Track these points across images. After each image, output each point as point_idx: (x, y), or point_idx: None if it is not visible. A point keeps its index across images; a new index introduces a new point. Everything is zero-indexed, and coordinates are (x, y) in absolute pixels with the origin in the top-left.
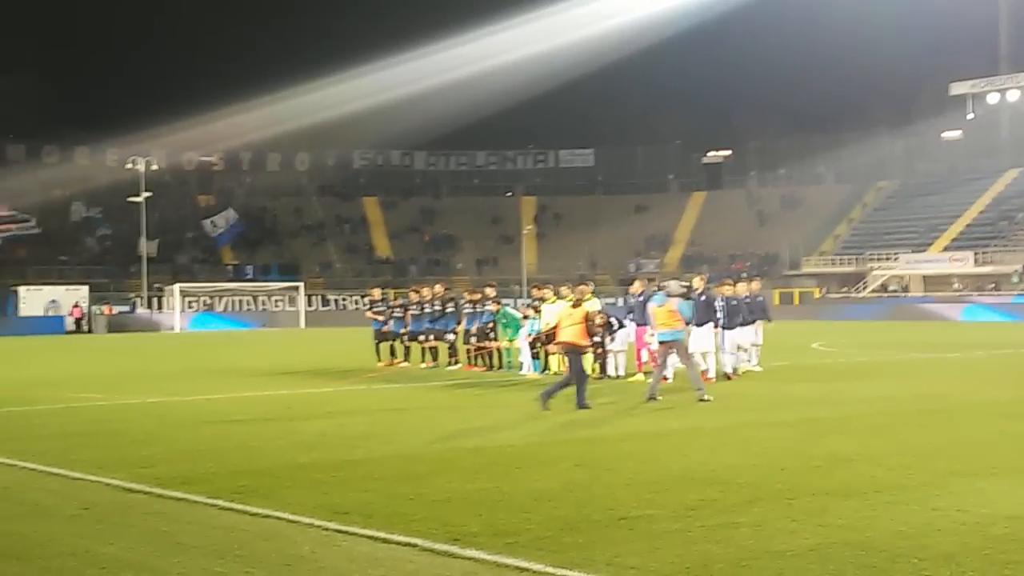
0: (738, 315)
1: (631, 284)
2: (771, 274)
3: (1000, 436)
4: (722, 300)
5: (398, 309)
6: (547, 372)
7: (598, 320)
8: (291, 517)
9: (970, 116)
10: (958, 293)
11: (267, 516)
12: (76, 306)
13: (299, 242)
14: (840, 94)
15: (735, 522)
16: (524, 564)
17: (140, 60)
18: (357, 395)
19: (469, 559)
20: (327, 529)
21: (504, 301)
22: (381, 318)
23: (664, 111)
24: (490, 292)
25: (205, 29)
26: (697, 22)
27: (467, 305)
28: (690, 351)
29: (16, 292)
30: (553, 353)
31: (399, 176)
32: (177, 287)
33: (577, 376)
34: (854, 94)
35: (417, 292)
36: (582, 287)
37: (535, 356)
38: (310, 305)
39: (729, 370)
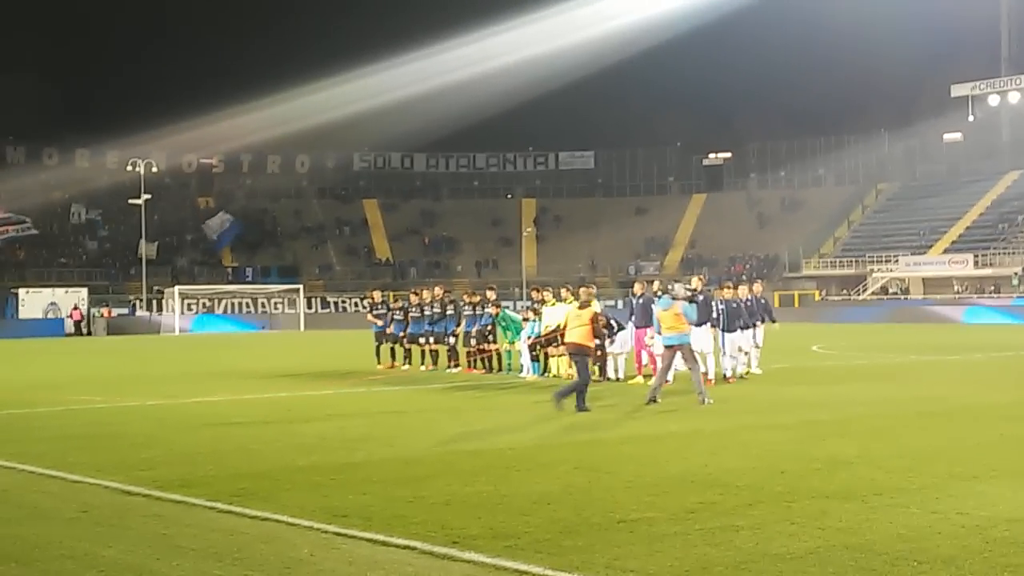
0: (738, 318)
1: (634, 286)
2: (771, 276)
3: (1000, 439)
4: (721, 302)
5: (398, 312)
6: (547, 375)
7: (600, 322)
8: (290, 520)
9: (971, 118)
10: (958, 296)
11: (266, 519)
12: (76, 308)
13: (299, 244)
14: (840, 96)
15: (735, 525)
16: (523, 567)
17: (140, 62)
18: (357, 398)
19: (468, 562)
20: (326, 532)
21: (504, 304)
22: (380, 322)
23: (664, 113)
24: (491, 295)
25: (205, 31)
26: (697, 24)
27: (467, 307)
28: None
29: (16, 294)
30: (554, 356)
31: (399, 178)
32: (177, 289)
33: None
34: (854, 96)
35: (417, 294)
36: (584, 289)
37: (535, 359)
38: (310, 307)
39: (729, 373)
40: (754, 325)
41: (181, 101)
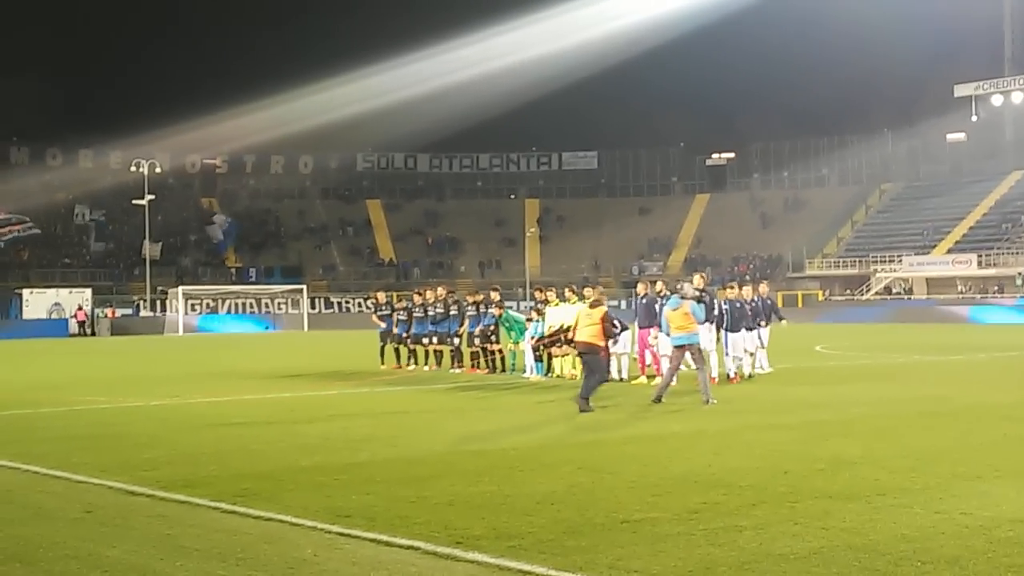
0: (743, 318)
1: (637, 286)
2: (774, 276)
3: (1004, 439)
4: (725, 302)
5: (401, 312)
6: (550, 375)
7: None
8: (294, 520)
9: (974, 118)
10: (961, 296)
11: (269, 519)
12: (80, 309)
13: (302, 244)
14: (843, 96)
15: (738, 525)
16: (527, 567)
17: (143, 63)
18: (360, 398)
19: (472, 562)
20: (330, 532)
21: (507, 304)
22: (384, 325)
23: (667, 113)
24: (494, 296)
25: (208, 32)
26: (700, 24)
27: (470, 307)
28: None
29: (20, 295)
30: (557, 356)
31: (402, 179)
32: (180, 290)
33: (585, 379)
34: (858, 96)
35: (420, 295)
36: (588, 289)
37: (538, 359)
38: (313, 307)
39: (732, 373)
40: (759, 326)
41: (184, 101)
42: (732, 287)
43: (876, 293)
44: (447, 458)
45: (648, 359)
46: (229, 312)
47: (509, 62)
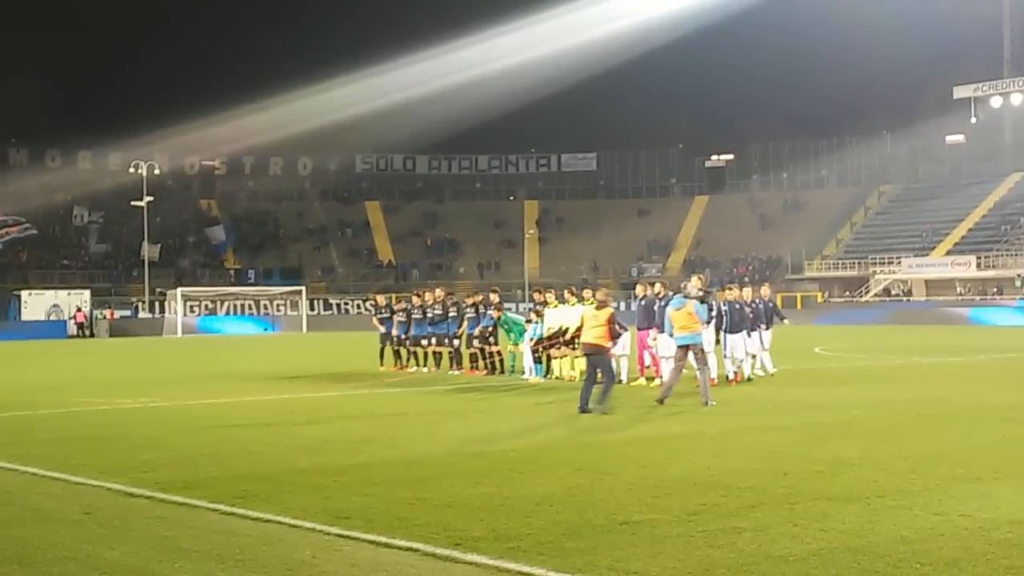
0: (742, 320)
1: (636, 288)
2: (773, 278)
3: (1003, 440)
4: (725, 304)
5: (400, 314)
6: (549, 376)
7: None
8: (292, 522)
9: (973, 120)
10: (961, 297)
11: (268, 521)
12: (78, 310)
13: (301, 246)
14: (843, 97)
15: (737, 527)
16: (526, 569)
17: (142, 64)
18: (359, 400)
19: (471, 564)
20: (329, 534)
21: (506, 306)
22: (383, 329)
23: (666, 115)
24: (493, 298)
25: (207, 33)
26: (700, 26)
27: (468, 309)
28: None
29: (18, 296)
30: (556, 358)
31: (401, 180)
32: (179, 291)
33: (586, 379)
34: (857, 97)
35: (419, 296)
36: (589, 291)
37: (537, 360)
38: (312, 309)
39: (731, 374)
40: (759, 328)
41: (183, 103)
42: (731, 288)
43: (875, 295)
44: (446, 460)
45: (647, 360)
46: (228, 313)
47: (508, 63)
